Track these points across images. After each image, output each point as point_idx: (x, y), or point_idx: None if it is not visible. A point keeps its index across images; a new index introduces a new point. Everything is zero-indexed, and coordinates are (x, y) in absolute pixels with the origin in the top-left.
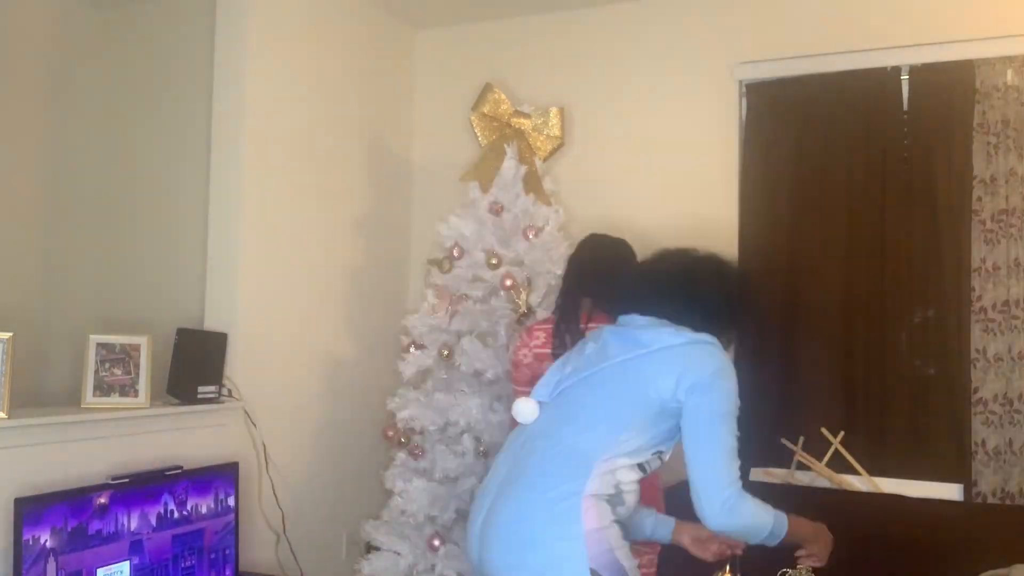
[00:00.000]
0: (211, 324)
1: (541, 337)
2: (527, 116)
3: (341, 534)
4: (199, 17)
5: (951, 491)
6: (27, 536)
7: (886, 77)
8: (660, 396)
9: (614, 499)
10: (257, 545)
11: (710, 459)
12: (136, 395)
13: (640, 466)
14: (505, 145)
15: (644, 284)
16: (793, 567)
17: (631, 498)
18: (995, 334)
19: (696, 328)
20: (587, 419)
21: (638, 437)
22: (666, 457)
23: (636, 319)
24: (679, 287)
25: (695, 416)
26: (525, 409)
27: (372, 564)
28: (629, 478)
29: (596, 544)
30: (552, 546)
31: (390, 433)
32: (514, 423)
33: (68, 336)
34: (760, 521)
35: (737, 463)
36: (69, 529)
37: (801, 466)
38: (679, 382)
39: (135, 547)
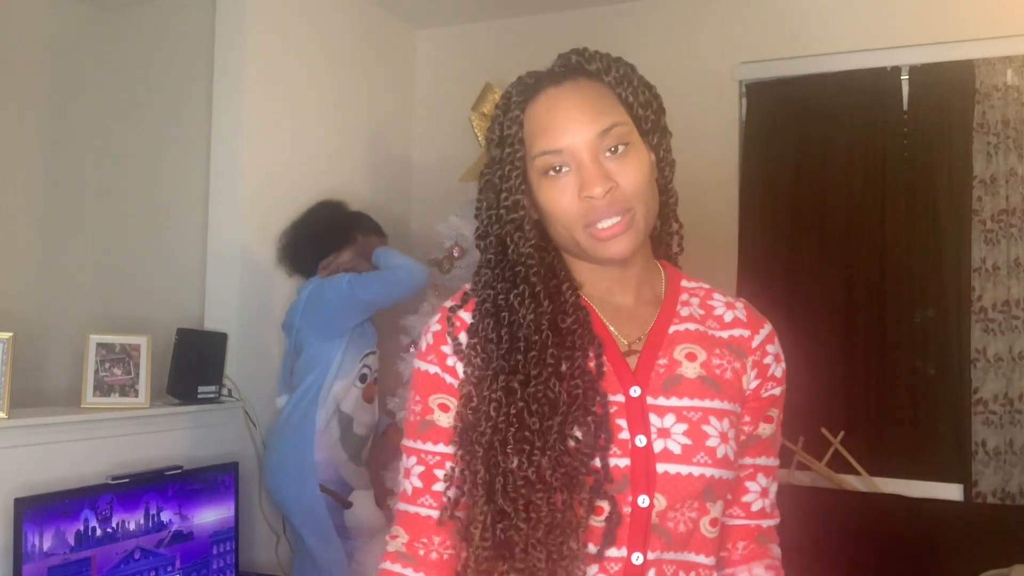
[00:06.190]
0: (211, 324)
1: None
2: None
3: None
4: (199, 17)
5: (951, 491)
6: (27, 536)
7: (886, 77)
8: None
9: None
10: (257, 545)
11: None
12: (136, 395)
13: None
14: None
15: None
16: None
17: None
18: (995, 334)
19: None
20: None
21: None
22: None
23: None
24: None
25: None
26: None
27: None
28: None
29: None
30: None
31: (391, 433)
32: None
33: (68, 336)
34: None
35: None
36: (71, 529)
37: (801, 466)
38: None
39: (135, 547)
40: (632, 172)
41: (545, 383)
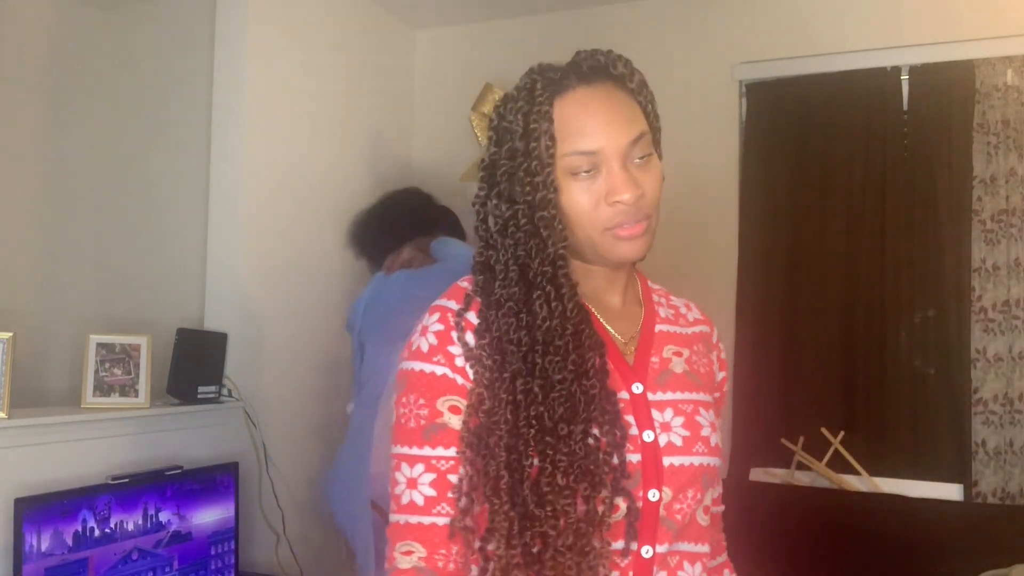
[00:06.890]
0: (211, 324)
1: None
2: None
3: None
4: (199, 17)
5: (951, 491)
6: (27, 536)
7: (886, 77)
8: None
9: None
10: (257, 545)
11: None
12: (136, 395)
13: None
14: None
15: None
16: None
17: None
18: (995, 334)
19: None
20: None
21: None
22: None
23: None
24: None
25: None
26: None
27: None
28: None
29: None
30: None
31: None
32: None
33: (68, 336)
34: None
35: None
36: (69, 529)
37: (801, 466)
38: None
39: (134, 547)
40: (654, 181)
41: (569, 387)
